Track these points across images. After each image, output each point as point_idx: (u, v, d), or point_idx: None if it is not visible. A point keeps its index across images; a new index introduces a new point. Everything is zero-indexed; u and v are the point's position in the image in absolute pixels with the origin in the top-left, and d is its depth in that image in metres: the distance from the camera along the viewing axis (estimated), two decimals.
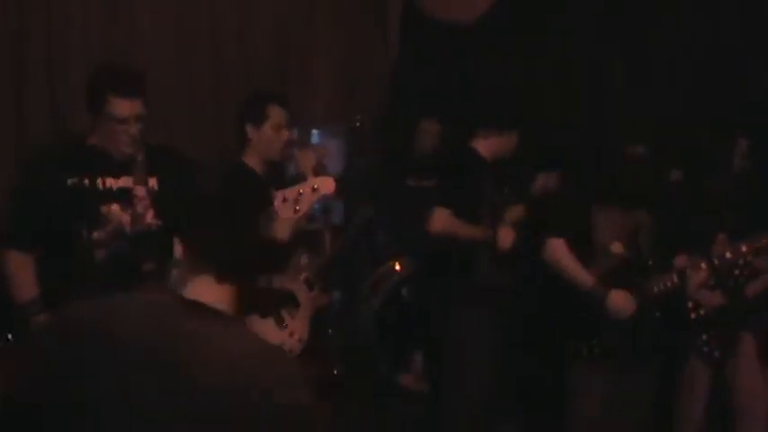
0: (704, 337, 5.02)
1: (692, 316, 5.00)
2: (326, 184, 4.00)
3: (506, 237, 4.98)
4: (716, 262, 4.73)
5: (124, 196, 3.91)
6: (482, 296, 4.96)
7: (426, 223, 4.93)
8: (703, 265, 4.75)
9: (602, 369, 4.81)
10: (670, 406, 5.14)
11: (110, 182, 3.92)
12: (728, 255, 4.74)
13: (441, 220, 4.93)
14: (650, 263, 4.88)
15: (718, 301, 4.95)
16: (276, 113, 4.54)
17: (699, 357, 5.05)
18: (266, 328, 4.53)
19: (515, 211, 5.12)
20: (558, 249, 4.84)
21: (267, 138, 4.52)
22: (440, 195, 5.08)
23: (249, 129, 4.53)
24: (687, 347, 5.06)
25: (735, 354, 5.05)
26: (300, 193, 3.94)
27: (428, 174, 5.98)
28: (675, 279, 4.75)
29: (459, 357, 5.02)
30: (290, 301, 4.66)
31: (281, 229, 4.02)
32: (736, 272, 4.93)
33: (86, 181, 3.88)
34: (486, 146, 5.07)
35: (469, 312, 4.97)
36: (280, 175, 5.04)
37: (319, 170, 6.02)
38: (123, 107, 3.83)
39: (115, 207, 3.90)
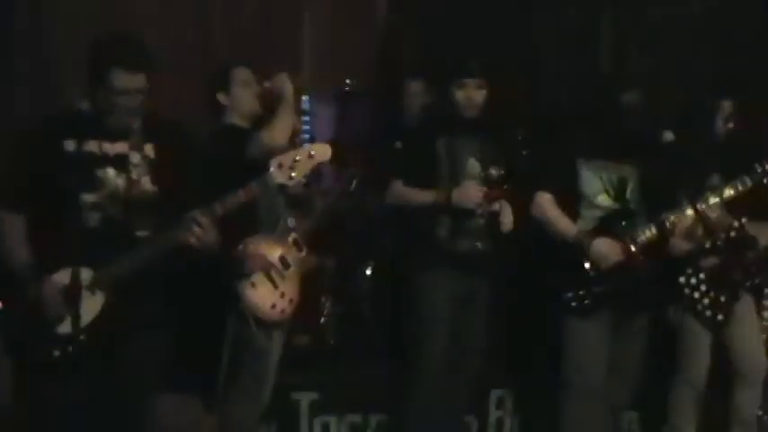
0: (705, 300, 5.02)
1: (692, 280, 4.99)
2: (323, 151, 3.94)
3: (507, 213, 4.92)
4: (702, 208, 4.73)
5: (120, 161, 3.87)
6: (441, 261, 4.91)
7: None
8: (689, 212, 4.75)
9: (595, 323, 4.78)
10: (671, 368, 5.13)
11: (105, 146, 3.87)
12: (713, 199, 4.75)
13: (392, 189, 4.97)
14: (637, 215, 4.87)
15: (717, 264, 4.96)
16: (239, 72, 4.74)
17: (700, 321, 5.04)
18: (258, 290, 4.53)
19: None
20: (544, 203, 4.84)
21: (237, 97, 4.71)
22: (391, 162, 5.14)
23: (221, 97, 4.74)
24: (682, 307, 5.06)
25: (735, 317, 5.05)
26: (297, 160, 3.87)
27: None
28: (661, 225, 4.75)
29: (417, 322, 4.99)
30: (281, 262, 4.65)
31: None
32: (732, 234, 4.92)
33: (82, 144, 3.84)
34: (462, 96, 4.94)
35: (427, 277, 4.93)
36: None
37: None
38: (126, 80, 3.78)
39: (110, 171, 3.86)
